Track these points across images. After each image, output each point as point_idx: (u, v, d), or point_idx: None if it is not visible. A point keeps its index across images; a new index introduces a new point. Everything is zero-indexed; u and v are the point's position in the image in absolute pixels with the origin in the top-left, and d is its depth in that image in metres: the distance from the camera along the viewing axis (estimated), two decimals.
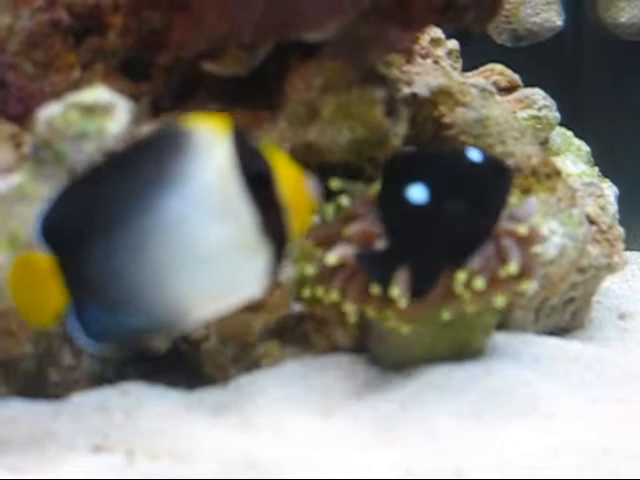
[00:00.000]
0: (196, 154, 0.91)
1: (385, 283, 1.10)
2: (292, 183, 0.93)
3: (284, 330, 1.20)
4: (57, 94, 1.13)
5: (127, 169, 0.92)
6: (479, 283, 1.09)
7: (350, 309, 1.12)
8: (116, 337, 0.94)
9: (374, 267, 1.11)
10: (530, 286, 1.14)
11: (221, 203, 0.92)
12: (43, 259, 0.91)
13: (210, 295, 0.93)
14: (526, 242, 1.14)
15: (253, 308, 1.17)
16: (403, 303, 1.09)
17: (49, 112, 1.04)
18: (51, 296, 0.92)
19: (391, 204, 1.12)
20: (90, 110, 1.04)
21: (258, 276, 0.94)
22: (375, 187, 1.15)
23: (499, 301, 1.12)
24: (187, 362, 1.18)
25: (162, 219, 0.90)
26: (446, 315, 1.12)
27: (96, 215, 0.91)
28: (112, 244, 0.90)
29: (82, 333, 0.91)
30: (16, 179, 1.06)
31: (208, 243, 0.91)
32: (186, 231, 0.90)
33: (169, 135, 0.92)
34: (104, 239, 0.90)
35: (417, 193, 1.10)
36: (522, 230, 1.13)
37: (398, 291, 1.08)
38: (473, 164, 1.13)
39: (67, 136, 1.02)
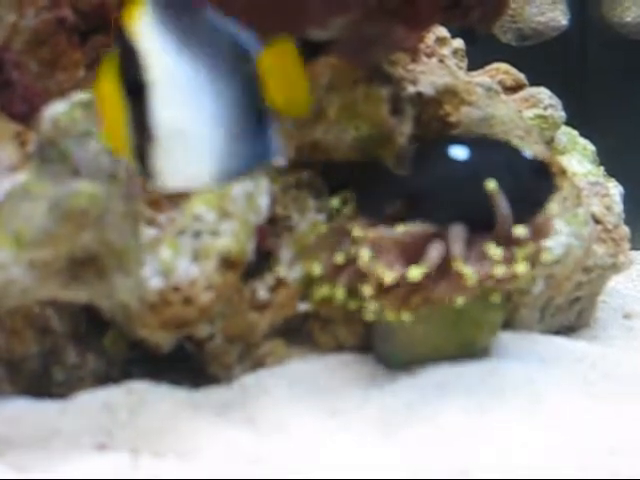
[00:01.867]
0: None
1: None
2: None
3: (289, 329, 1.20)
4: (62, 93, 1.13)
5: None
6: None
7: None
8: None
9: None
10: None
11: None
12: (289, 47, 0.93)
13: None
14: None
15: (259, 307, 1.17)
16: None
17: (54, 111, 1.04)
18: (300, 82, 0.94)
19: (430, 157, 1.20)
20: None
21: None
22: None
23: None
24: (192, 361, 1.18)
25: None
26: (460, 301, 1.12)
27: None
28: None
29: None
30: (21, 178, 1.05)
31: None
32: None
33: None
34: None
35: (459, 151, 1.18)
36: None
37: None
38: (521, 156, 1.22)
39: (72, 135, 1.02)
